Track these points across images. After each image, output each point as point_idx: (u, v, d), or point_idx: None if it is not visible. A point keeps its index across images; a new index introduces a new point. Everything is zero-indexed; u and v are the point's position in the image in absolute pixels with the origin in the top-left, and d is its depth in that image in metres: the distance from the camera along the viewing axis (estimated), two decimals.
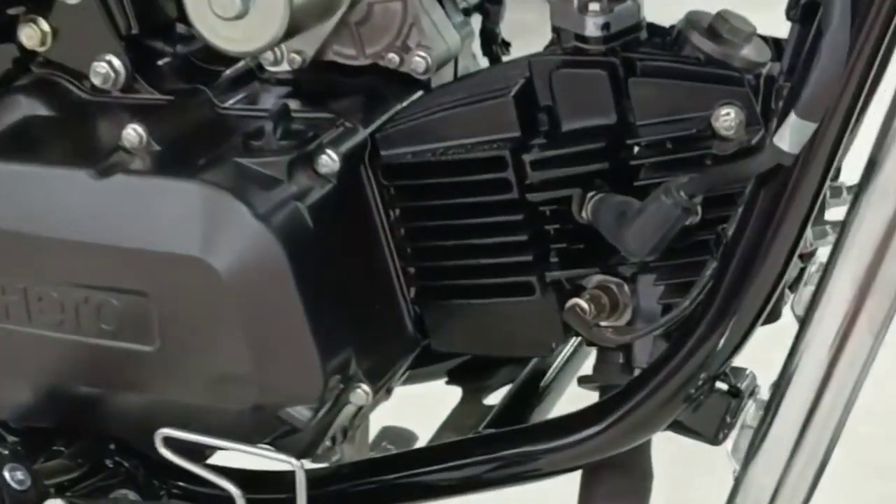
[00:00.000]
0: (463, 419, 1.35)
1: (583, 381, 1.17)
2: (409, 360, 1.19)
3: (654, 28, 1.12)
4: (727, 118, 1.03)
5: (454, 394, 1.40)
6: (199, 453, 1.14)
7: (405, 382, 1.26)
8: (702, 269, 1.04)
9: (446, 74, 1.23)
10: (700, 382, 1.05)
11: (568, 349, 1.35)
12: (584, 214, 1.09)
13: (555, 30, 1.11)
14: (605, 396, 1.13)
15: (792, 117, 0.94)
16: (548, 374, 1.34)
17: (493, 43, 1.31)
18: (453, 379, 1.41)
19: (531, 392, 1.33)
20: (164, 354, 1.08)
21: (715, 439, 1.10)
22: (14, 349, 1.13)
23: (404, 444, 1.56)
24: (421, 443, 1.39)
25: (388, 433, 1.45)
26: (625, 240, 1.05)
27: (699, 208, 1.04)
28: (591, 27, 1.07)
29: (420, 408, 1.39)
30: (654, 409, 1.07)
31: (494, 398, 1.38)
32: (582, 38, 1.08)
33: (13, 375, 1.16)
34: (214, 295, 1.05)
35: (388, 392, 1.22)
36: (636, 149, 1.07)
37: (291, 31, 1.10)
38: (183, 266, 1.05)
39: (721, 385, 1.09)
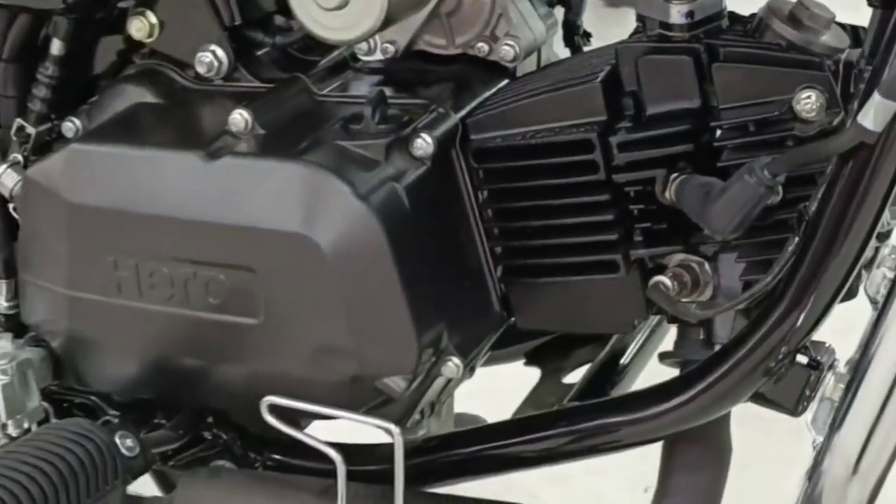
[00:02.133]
0: (543, 397, 1.39)
1: (664, 356, 1.20)
2: (496, 336, 1.22)
3: (734, 16, 1.16)
4: (808, 101, 1.07)
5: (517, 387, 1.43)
6: (296, 425, 1.16)
7: (485, 364, 1.29)
8: (783, 247, 1.07)
9: (530, 63, 1.28)
10: (781, 356, 1.09)
11: (646, 328, 1.38)
12: (667, 195, 1.12)
13: (640, 18, 1.15)
14: (687, 370, 1.16)
15: (875, 97, 0.98)
16: (627, 352, 1.38)
17: (574, 34, 1.36)
18: (531, 360, 1.45)
19: (611, 369, 1.37)
20: (267, 327, 1.12)
21: (795, 411, 1.13)
22: (123, 323, 1.18)
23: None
24: None
25: (461, 419, 1.48)
26: (709, 218, 1.08)
27: (780, 188, 1.07)
28: (676, 15, 1.11)
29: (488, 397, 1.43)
30: (736, 382, 1.10)
31: (572, 378, 1.43)
32: (667, 26, 1.12)
33: (121, 349, 1.21)
34: (317, 270, 1.09)
35: (472, 370, 1.25)
36: (719, 131, 1.11)
37: (388, 22, 1.14)
38: (287, 242, 1.09)
39: (801, 358, 1.11)
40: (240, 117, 1.14)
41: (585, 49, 1.37)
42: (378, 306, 1.10)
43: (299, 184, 1.09)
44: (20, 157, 1.24)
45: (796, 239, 1.07)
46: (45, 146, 1.26)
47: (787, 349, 1.09)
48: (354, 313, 1.11)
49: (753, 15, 1.14)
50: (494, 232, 1.18)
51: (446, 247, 1.17)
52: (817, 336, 1.11)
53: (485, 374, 1.28)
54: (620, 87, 1.13)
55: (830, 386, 1.12)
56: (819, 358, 1.13)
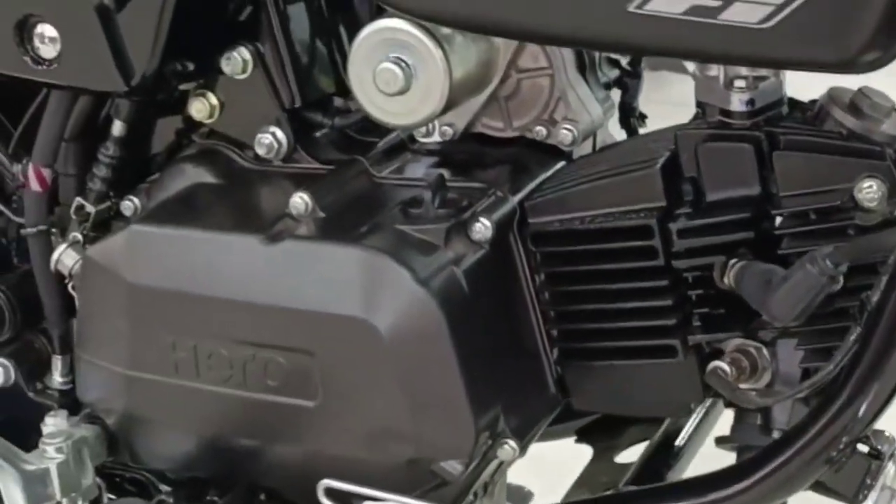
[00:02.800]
0: (596, 477, 1.39)
1: (721, 441, 1.19)
2: (551, 417, 1.22)
3: (794, 103, 1.16)
4: (870, 190, 1.06)
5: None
6: None
7: (537, 440, 1.28)
8: (843, 335, 1.07)
9: (586, 145, 1.28)
10: (842, 445, 1.08)
11: (701, 410, 1.37)
12: (726, 281, 1.12)
13: (699, 104, 1.15)
14: (744, 457, 1.15)
15: None
16: (682, 434, 1.37)
17: (630, 116, 1.36)
18: (583, 437, 1.45)
19: (666, 452, 1.36)
20: (325, 409, 1.13)
21: (855, 500, 1.12)
22: (180, 403, 1.18)
23: (521, 501, 1.59)
24: (547, 500, 1.42)
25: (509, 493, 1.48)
26: (770, 306, 1.08)
27: (842, 276, 1.06)
28: (737, 102, 1.11)
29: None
30: (796, 470, 1.09)
31: (625, 457, 1.42)
32: (727, 113, 1.12)
33: (177, 428, 1.21)
34: (376, 354, 1.09)
35: (525, 450, 1.25)
36: (779, 219, 1.11)
37: (448, 107, 1.15)
38: (347, 326, 1.09)
39: (862, 447, 1.11)
40: (300, 200, 1.14)
41: (641, 131, 1.37)
42: (436, 390, 1.10)
43: (359, 268, 1.09)
44: (80, 237, 1.25)
45: (858, 328, 1.06)
46: (104, 225, 1.27)
47: (848, 438, 1.08)
48: (412, 397, 1.11)
49: (814, 102, 1.15)
50: (551, 314, 1.18)
51: (504, 330, 1.17)
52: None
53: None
54: (680, 172, 1.13)
55: (891, 475, 1.11)
56: (880, 447, 1.12)
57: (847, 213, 1.08)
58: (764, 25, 0.93)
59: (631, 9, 0.96)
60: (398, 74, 1.12)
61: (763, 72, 1.11)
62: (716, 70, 1.12)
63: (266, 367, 1.13)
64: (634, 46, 1.03)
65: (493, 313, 1.15)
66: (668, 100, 1.44)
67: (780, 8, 0.93)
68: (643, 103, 1.39)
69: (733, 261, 1.11)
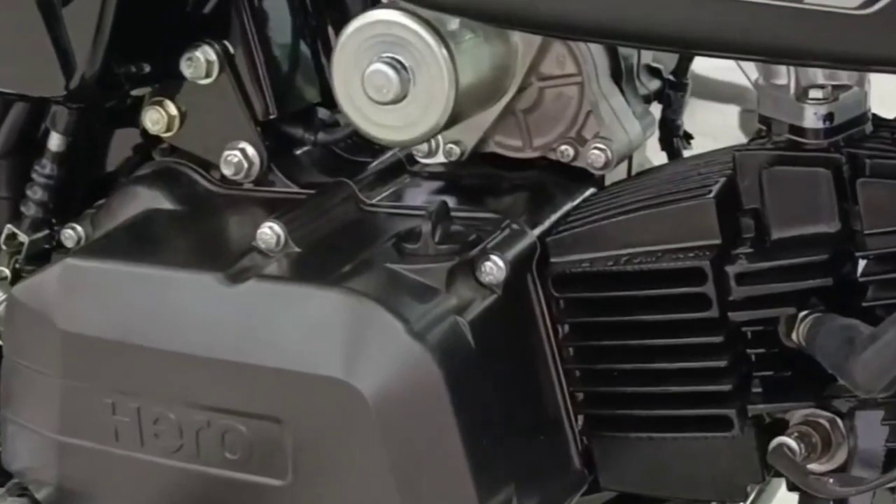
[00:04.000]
0: None
1: None
2: (576, 498, 1.08)
3: (879, 120, 1.02)
4: None
5: None
6: None
7: None
8: None
9: (619, 169, 1.15)
10: None
11: (754, 489, 1.21)
12: (795, 338, 0.98)
13: (763, 120, 1.01)
14: None
15: None
16: None
17: (674, 135, 1.23)
18: None
19: None
20: (297, 490, 1.00)
21: None
22: (121, 476, 1.06)
23: None
24: None
25: None
26: (852, 371, 0.92)
27: None
28: (812, 118, 0.98)
29: None
30: None
31: None
32: (799, 131, 0.99)
33: None
34: (359, 423, 0.97)
35: None
36: (863, 262, 0.97)
37: (454, 119, 1.03)
38: (324, 389, 0.97)
39: None
40: (270, 232, 1.02)
41: (685, 153, 1.23)
42: (433, 467, 0.98)
43: (340, 317, 0.97)
44: (7, 272, 1.13)
45: None
46: (42, 257, 1.14)
47: None
48: (404, 475, 0.97)
49: None
50: (576, 374, 1.05)
51: (518, 392, 1.04)
52: None
53: None
54: (739, 203, 1.00)
55: None
56: None
57: None
58: (865, 11, 0.78)
59: None
60: (392, 79, 1.00)
61: (844, 79, 0.96)
62: (785, 76, 0.98)
63: (224, 437, 1.01)
64: (690, 40, 0.87)
65: (505, 372, 1.02)
66: (699, 130, 1.31)
67: None
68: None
69: (804, 313, 0.98)
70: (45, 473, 1.09)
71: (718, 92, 2.74)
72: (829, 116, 0.97)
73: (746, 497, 1.15)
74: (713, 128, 1.14)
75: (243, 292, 0.99)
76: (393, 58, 1.00)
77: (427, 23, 0.99)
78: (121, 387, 1.03)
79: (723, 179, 1.00)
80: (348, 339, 0.96)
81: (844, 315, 0.97)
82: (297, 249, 1.02)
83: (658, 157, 1.23)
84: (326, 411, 0.97)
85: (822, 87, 0.97)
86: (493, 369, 1.01)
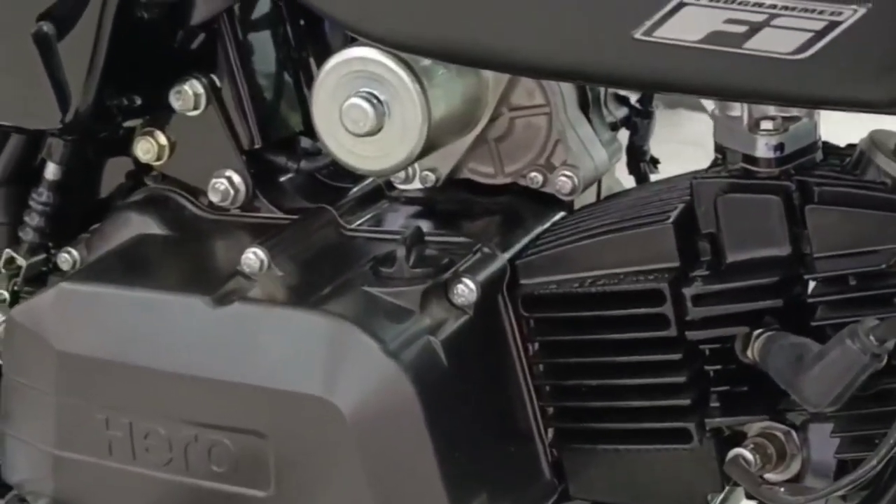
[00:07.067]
0: None
1: None
2: None
3: (830, 148, 1.05)
4: None
5: None
6: None
7: None
8: (889, 422, 0.93)
9: (588, 193, 1.18)
10: None
11: (717, 497, 1.24)
12: (749, 355, 1.01)
13: (719, 149, 1.04)
14: None
15: None
16: None
17: (640, 160, 1.26)
18: None
19: None
20: (279, 501, 1.02)
21: None
22: (114, 488, 1.08)
23: None
24: None
25: None
26: (801, 387, 0.96)
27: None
28: (763, 148, 1.00)
29: None
30: None
31: None
32: (752, 160, 1.01)
33: None
34: (338, 438, 0.99)
35: None
36: (813, 284, 0.99)
37: (428, 149, 1.05)
38: (304, 406, 1.00)
39: None
40: (254, 256, 1.04)
41: (652, 177, 1.26)
42: (408, 480, 1.01)
43: (319, 337, 1.00)
44: (6, 294, 1.15)
45: None
46: (39, 280, 1.17)
47: None
48: (380, 488, 1.00)
49: (852, 146, 1.03)
50: (546, 390, 1.08)
51: (490, 408, 1.07)
52: None
53: None
54: (696, 228, 1.03)
55: None
56: None
57: (893, 279, 0.96)
58: (799, 56, 0.82)
59: (638, 36, 0.85)
60: (368, 112, 1.02)
61: (795, 112, 0.99)
62: (738, 109, 1.01)
63: (211, 451, 1.03)
64: (641, 81, 0.91)
65: (477, 389, 1.05)
66: (685, 139, 1.33)
67: (818, 36, 0.81)
68: (655, 143, 1.29)
69: (758, 332, 1.00)
70: (43, 485, 1.11)
71: (706, 102, 2.74)
72: (779, 146, 1.00)
73: None
74: (700, 136, 1.17)
75: (229, 314, 1.02)
76: (369, 92, 1.02)
77: (401, 60, 1.01)
78: (114, 403, 1.06)
79: (681, 205, 1.03)
80: (327, 359, 0.99)
81: (796, 334, 0.98)
82: (280, 273, 1.04)
83: (627, 180, 1.26)
84: (307, 426, 0.99)
85: (772, 118, 0.99)
86: (465, 386, 1.03)
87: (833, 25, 0.80)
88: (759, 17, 0.81)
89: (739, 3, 0.81)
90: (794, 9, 0.80)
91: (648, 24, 0.84)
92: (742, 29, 0.82)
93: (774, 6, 0.81)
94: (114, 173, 1.21)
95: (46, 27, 1.05)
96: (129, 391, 1.05)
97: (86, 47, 1.05)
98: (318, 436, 0.99)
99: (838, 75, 0.82)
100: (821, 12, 0.80)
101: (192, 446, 1.03)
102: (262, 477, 1.02)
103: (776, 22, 0.81)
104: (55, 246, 1.17)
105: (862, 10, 0.79)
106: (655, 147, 1.30)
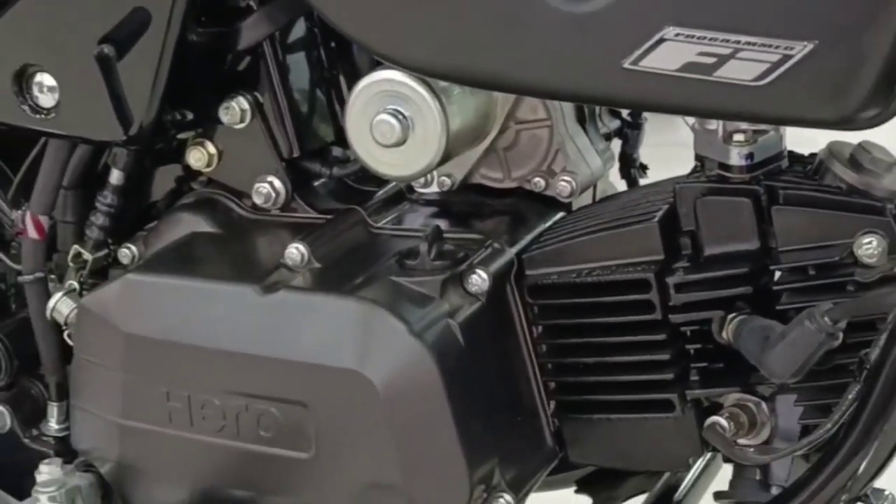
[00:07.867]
0: None
1: (720, 496, 1.18)
2: (548, 470, 1.20)
3: (794, 156, 1.15)
4: (869, 246, 1.05)
5: None
6: None
7: (535, 490, 1.26)
8: (842, 392, 1.05)
9: (585, 195, 1.27)
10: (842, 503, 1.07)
11: (701, 462, 1.36)
12: (724, 335, 1.11)
13: (698, 157, 1.14)
14: None
15: None
16: (681, 488, 1.35)
17: (631, 166, 1.36)
18: (582, 488, 1.42)
19: None
20: (318, 462, 1.11)
21: None
22: (173, 453, 1.17)
23: None
24: None
25: None
26: (767, 362, 1.06)
27: (841, 332, 1.05)
28: (736, 157, 1.10)
29: None
30: None
31: None
32: (726, 167, 1.11)
33: (170, 478, 1.20)
34: (369, 407, 1.08)
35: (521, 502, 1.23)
36: (778, 274, 1.09)
37: (445, 157, 1.15)
38: (341, 379, 1.08)
39: None
40: (296, 251, 1.14)
41: (641, 182, 1.36)
42: (431, 444, 1.09)
43: (354, 320, 1.09)
44: (76, 284, 1.24)
45: (857, 385, 1.05)
46: (102, 272, 1.26)
47: (847, 497, 1.07)
48: (406, 450, 1.09)
49: (813, 155, 1.14)
50: (548, 367, 1.18)
51: (500, 382, 1.16)
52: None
53: None
54: (678, 226, 1.13)
55: None
56: None
57: (846, 269, 1.07)
58: (760, 83, 0.92)
59: (626, 65, 0.96)
60: (395, 126, 1.12)
61: (763, 126, 1.10)
62: (715, 124, 1.11)
63: (259, 419, 1.12)
64: (630, 102, 1.03)
65: (489, 365, 1.14)
66: (677, 141, 1.44)
67: (775, 66, 0.92)
68: (649, 146, 1.38)
69: (731, 315, 1.10)
70: (108, 451, 1.20)
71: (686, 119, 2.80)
72: (750, 155, 1.10)
73: (689, 468, 1.30)
74: (692, 140, 1.25)
75: (274, 301, 1.11)
76: (396, 109, 1.11)
77: (423, 81, 1.11)
78: (174, 378, 1.14)
79: (665, 206, 1.12)
80: (361, 338, 1.07)
81: (763, 317, 1.08)
82: (318, 265, 1.13)
83: (619, 184, 1.37)
84: (343, 397, 1.08)
85: (744, 132, 1.10)
86: (479, 363, 1.12)
87: (787, 58, 0.91)
88: (726, 51, 0.92)
89: (710, 39, 0.92)
90: (755, 44, 0.91)
91: (635, 55, 0.94)
92: (712, 60, 0.93)
93: (738, 42, 0.92)
94: (166, 179, 1.29)
95: (108, 50, 1.12)
96: (187, 368, 1.14)
97: (149, 70, 1.14)
98: (352, 405, 1.08)
99: (793, 98, 0.93)
100: (776, 47, 0.91)
101: (243, 415, 1.12)
102: (304, 441, 1.11)
103: (740, 55, 0.92)
104: (115, 242, 1.26)
105: (810, 46, 0.91)
106: (650, 150, 1.39)
